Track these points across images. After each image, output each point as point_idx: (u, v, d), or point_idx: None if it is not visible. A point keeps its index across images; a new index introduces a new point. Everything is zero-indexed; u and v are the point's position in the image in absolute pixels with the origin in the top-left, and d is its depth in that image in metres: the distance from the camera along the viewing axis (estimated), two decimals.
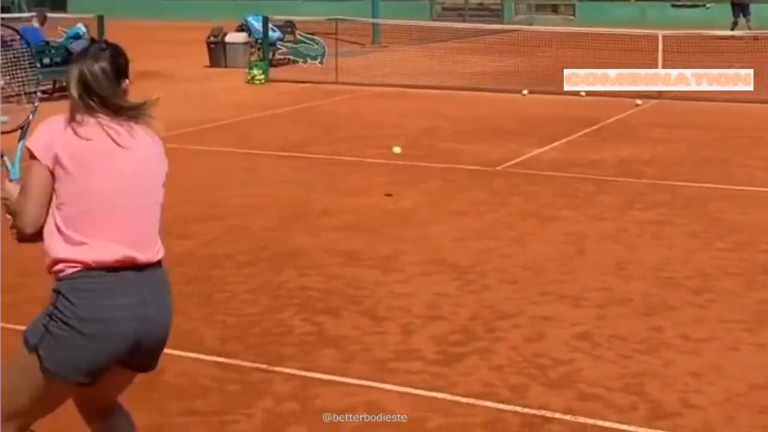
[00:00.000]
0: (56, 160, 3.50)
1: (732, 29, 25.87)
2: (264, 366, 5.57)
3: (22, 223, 3.55)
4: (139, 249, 3.57)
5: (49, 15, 19.32)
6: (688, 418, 4.95)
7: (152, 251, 3.62)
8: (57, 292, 3.49)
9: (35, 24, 18.24)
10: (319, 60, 20.57)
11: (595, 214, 9.06)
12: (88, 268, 3.47)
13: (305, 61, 20.58)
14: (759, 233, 8.39)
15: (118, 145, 3.57)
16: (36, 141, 3.55)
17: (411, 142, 12.80)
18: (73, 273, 3.48)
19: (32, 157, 3.54)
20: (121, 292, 3.50)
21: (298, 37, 21.49)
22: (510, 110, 15.71)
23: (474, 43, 26.16)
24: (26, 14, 25.15)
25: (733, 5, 28.02)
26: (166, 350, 5.70)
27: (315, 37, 21.04)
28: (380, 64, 21.53)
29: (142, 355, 3.67)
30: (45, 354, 3.47)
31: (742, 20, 27.39)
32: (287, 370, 5.52)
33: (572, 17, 36.20)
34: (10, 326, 5.56)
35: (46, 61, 17.32)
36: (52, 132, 3.54)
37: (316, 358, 5.70)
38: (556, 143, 12.64)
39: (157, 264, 3.64)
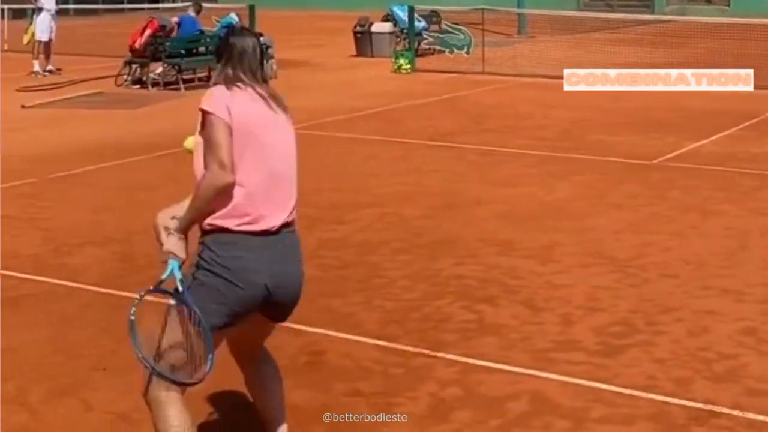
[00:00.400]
0: (232, 118, 3.82)
1: None
2: (426, 351, 5.63)
3: (221, 174, 3.76)
4: (290, 214, 3.97)
5: (204, 4, 19.82)
6: None
7: (293, 214, 4.00)
8: (203, 244, 3.87)
9: (191, 13, 18.76)
10: (465, 50, 20.58)
11: (758, 209, 8.82)
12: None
13: (451, 51, 20.61)
14: None
15: (274, 111, 3.98)
16: (210, 102, 3.87)
17: (561, 134, 12.69)
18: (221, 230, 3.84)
19: (207, 113, 3.84)
20: (258, 247, 3.84)
21: (444, 27, 21.51)
22: (663, 102, 15.37)
23: (623, 34, 25.74)
24: (179, 4, 25.88)
25: None
26: (327, 331, 5.95)
27: (461, 27, 21.04)
28: (527, 55, 21.36)
29: (275, 307, 3.98)
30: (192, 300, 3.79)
31: None
32: (449, 356, 5.56)
33: (727, 8, 35.16)
34: None
35: (202, 49, 17.84)
36: (223, 96, 3.89)
37: (476, 345, 5.73)
38: (715, 137, 12.33)
39: (291, 225, 3.98)
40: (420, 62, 19.98)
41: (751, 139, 12.21)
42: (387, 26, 22.53)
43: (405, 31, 21.37)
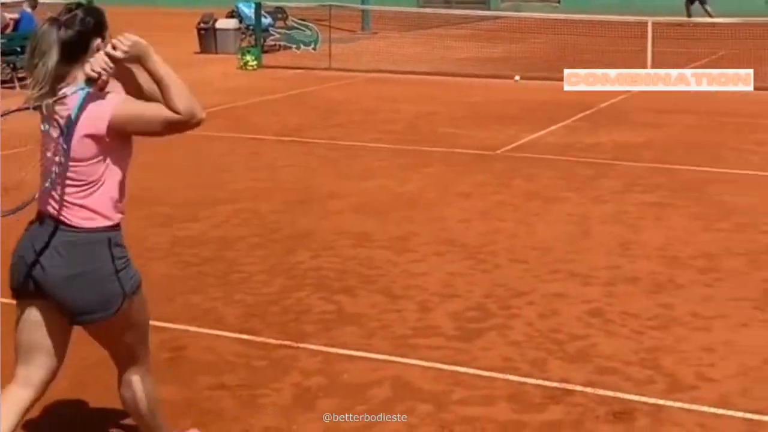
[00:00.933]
0: None
1: (688, 16, 26.14)
2: (288, 342, 5.70)
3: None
4: None
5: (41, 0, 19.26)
6: (705, 390, 5.11)
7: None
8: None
9: (27, 9, 18.24)
10: (312, 46, 20.67)
11: (596, 197, 9.22)
12: None
13: (299, 48, 20.66)
14: (759, 215, 8.56)
15: None
16: None
17: (409, 127, 12.94)
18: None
19: None
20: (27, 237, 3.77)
21: (290, 23, 21.55)
22: (503, 96, 15.85)
23: (462, 30, 26.34)
24: None
25: None
26: (188, 327, 5.96)
27: (308, 23, 21.12)
28: (372, 51, 21.62)
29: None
30: None
31: (696, 7, 27.67)
32: (311, 347, 5.65)
33: (557, 4, 36.29)
34: None
35: None
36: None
37: (338, 335, 5.83)
38: (553, 128, 12.79)
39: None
40: (266, 59, 19.96)
41: (586, 129, 12.71)
42: (232, 23, 22.39)
43: (251, 27, 21.30)
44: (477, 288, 6.67)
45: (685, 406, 4.94)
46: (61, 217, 3.67)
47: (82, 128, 3.60)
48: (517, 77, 17.67)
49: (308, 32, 20.75)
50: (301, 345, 5.68)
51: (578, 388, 5.12)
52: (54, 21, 3.68)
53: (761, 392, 5.10)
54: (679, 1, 29.99)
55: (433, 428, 4.70)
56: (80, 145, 3.60)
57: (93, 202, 3.67)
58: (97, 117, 3.61)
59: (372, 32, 26.39)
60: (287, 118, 13.76)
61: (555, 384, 5.17)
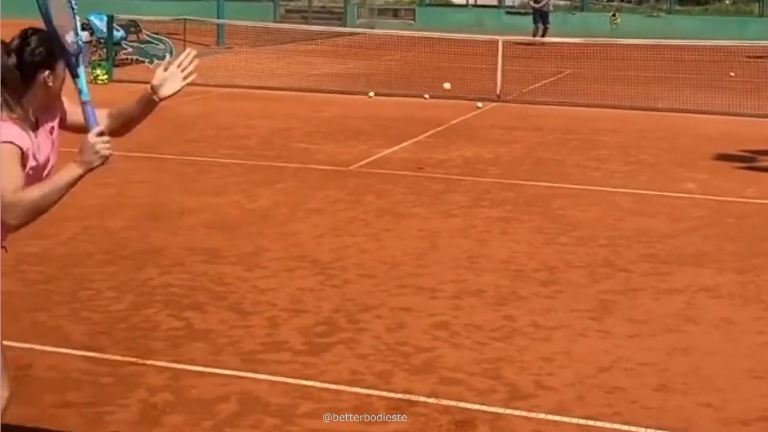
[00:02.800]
0: None
1: (534, 35, 27.12)
2: (135, 359, 5.67)
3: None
4: None
5: None
6: (543, 398, 5.32)
7: None
8: None
9: None
10: (166, 60, 20.45)
11: (445, 211, 9.45)
12: None
13: (152, 62, 20.41)
14: (598, 228, 8.92)
15: None
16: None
17: (263, 143, 12.97)
18: None
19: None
20: None
21: (144, 36, 21.30)
22: (358, 112, 16.04)
23: (319, 46, 26.52)
24: None
25: (534, 12, 29.48)
26: (33, 345, 5.87)
27: (161, 37, 20.92)
28: (227, 66, 21.56)
29: None
30: None
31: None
32: (159, 363, 5.64)
33: (412, 22, 36.94)
34: None
35: None
36: None
37: (186, 352, 5.83)
38: (405, 143, 13.02)
39: None
40: (118, 73, 19.68)
41: (438, 145, 12.99)
42: (83, 35, 21.94)
43: (102, 40, 20.96)
44: (326, 303, 6.76)
45: (524, 413, 5.13)
46: None
47: None
48: (371, 93, 17.91)
49: (162, 46, 20.54)
50: (149, 362, 5.66)
51: (422, 398, 5.26)
52: (3, 46, 3.59)
53: (595, 399, 5.33)
54: (527, 22, 30.97)
55: None
56: None
57: None
58: None
59: (227, 47, 26.30)
60: (139, 133, 13.34)
61: (399, 395, 5.29)
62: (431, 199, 9.95)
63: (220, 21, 26.16)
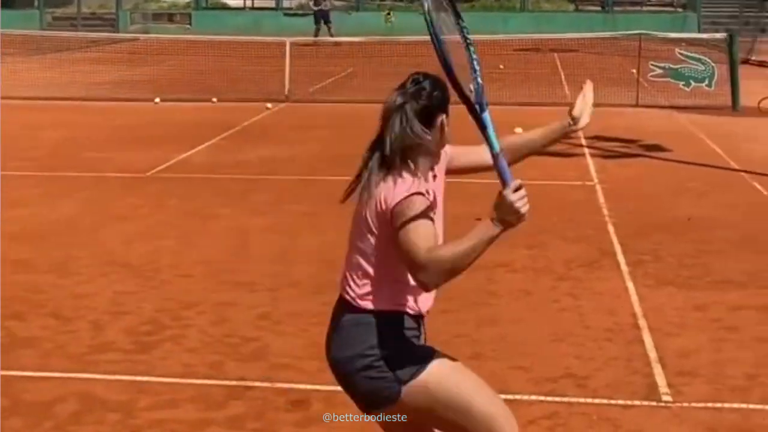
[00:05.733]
0: None
1: (315, 36, 27.70)
2: None
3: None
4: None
5: None
6: None
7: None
8: None
9: None
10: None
11: (252, 210, 9.67)
12: None
13: None
14: None
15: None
16: None
17: (54, 154, 12.79)
18: None
19: None
20: None
21: None
22: (146, 118, 15.98)
23: (94, 53, 26.06)
24: None
25: (315, 13, 30.12)
26: None
27: None
28: None
29: None
30: None
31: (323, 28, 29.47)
32: None
33: (189, 26, 36.72)
34: None
35: None
36: None
37: (13, 358, 5.84)
38: (200, 147, 13.13)
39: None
40: None
41: (233, 147, 13.18)
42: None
43: None
44: (147, 304, 6.87)
45: None
46: None
47: None
48: (157, 99, 17.84)
49: None
50: None
51: (257, 383, 5.50)
52: (401, 91, 3.36)
53: None
54: (305, 23, 31.42)
55: None
56: None
57: None
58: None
59: None
60: None
61: (234, 382, 5.52)
62: (236, 199, 10.15)
63: None
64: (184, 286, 7.29)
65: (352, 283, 3.53)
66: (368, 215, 3.39)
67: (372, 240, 3.39)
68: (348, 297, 3.53)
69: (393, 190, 3.29)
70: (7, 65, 22.95)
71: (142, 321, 6.53)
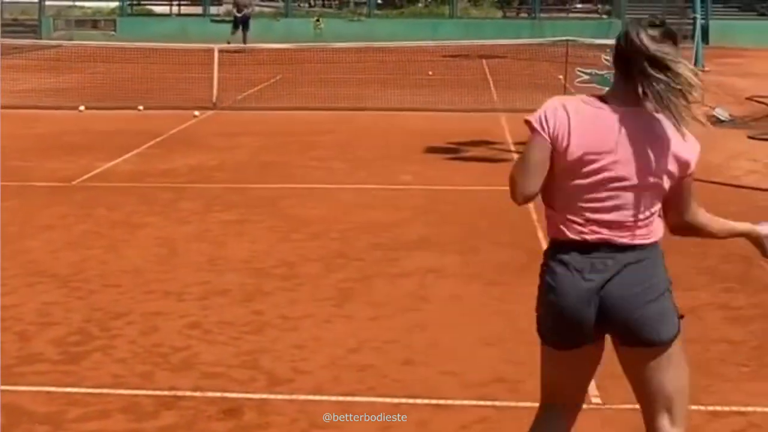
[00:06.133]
0: None
1: (228, 42, 27.52)
2: None
3: None
4: None
5: None
6: (301, 382, 5.65)
7: None
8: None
9: None
10: None
11: (179, 218, 9.59)
12: None
13: None
14: (328, 223, 9.37)
15: None
16: None
17: None
18: None
19: None
20: None
21: None
22: (71, 126, 15.75)
23: (16, 60, 25.57)
24: None
25: (236, 18, 30.01)
26: None
27: None
28: None
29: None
30: None
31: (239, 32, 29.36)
32: None
33: (113, 32, 36.28)
34: None
35: None
36: None
37: None
38: (126, 155, 12.98)
39: None
40: None
41: (160, 156, 13.05)
42: None
43: None
44: (75, 314, 6.78)
45: (286, 397, 5.44)
46: None
47: None
48: (81, 107, 17.58)
49: None
50: None
51: (188, 393, 5.46)
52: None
53: (349, 378, 5.73)
54: (227, 28, 31.23)
55: None
56: None
57: None
58: None
59: None
60: None
61: (165, 392, 5.47)
62: (163, 207, 10.06)
63: None
64: (112, 296, 7.21)
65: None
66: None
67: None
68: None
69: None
70: None
71: (70, 332, 6.44)
